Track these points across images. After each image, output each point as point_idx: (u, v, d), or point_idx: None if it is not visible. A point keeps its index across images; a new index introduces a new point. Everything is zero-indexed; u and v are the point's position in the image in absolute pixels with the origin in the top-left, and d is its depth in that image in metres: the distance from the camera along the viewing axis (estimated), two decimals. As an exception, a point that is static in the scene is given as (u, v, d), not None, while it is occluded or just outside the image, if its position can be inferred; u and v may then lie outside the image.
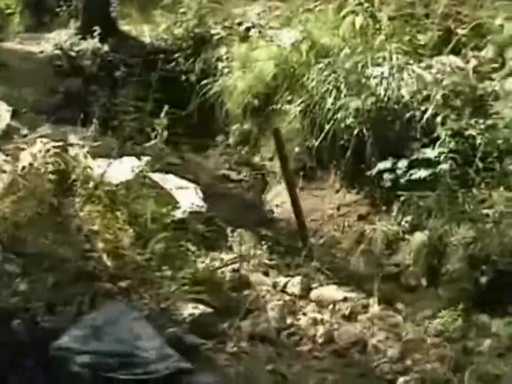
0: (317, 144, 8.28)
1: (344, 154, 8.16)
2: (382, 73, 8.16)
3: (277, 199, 7.97)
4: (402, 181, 7.62)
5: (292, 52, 8.88)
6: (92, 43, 10.39)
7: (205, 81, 9.54)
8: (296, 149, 8.54)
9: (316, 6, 9.17)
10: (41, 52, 10.48)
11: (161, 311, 5.38)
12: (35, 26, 12.01)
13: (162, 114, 6.90)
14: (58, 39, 10.64)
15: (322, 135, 8.19)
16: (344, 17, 8.87)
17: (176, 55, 10.09)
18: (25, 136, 7.20)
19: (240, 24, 9.53)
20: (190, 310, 5.47)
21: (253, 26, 9.43)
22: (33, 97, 9.04)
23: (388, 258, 7.43)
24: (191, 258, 6.06)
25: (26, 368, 4.79)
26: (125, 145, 7.29)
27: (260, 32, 9.27)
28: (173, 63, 10.06)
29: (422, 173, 7.51)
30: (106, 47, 10.37)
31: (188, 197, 6.65)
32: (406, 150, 7.83)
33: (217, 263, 6.22)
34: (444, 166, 7.43)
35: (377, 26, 8.65)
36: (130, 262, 5.58)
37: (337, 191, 8.32)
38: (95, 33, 10.27)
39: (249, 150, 8.66)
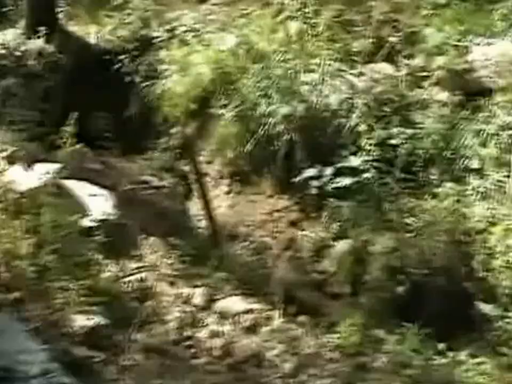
0: (250, 149, 8.26)
1: (276, 160, 8.16)
2: (314, 79, 8.13)
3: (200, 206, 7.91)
4: (328, 188, 7.61)
5: (229, 56, 8.83)
6: (37, 43, 10.31)
7: (145, 84, 9.48)
8: (231, 154, 8.52)
9: (254, 11, 9.09)
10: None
11: (52, 323, 5.32)
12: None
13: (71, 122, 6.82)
14: (4, 38, 10.52)
15: (255, 140, 8.18)
16: (281, 22, 8.81)
17: (122, 56, 10.03)
18: None
19: (174, 28, 9.45)
20: (83, 321, 5.42)
21: (190, 30, 9.35)
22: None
23: (315, 265, 7.42)
24: (95, 268, 5.99)
25: None
26: (46, 151, 7.20)
27: (197, 36, 9.18)
28: (118, 65, 10.00)
29: (346, 181, 7.50)
30: (51, 48, 10.29)
31: (99, 205, 6.58)
32: (335, 157, 7.82)
33: (123, 273, 6.15)
34: (367, 175, 7.42)
35: (313, 32, 8.59)
36: (24, 273, 5.51)
37: (270, 197, 8.29)
38: (40, 33, 10.21)
39: (182, 155, 8.59)
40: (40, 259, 5.73)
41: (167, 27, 9.78)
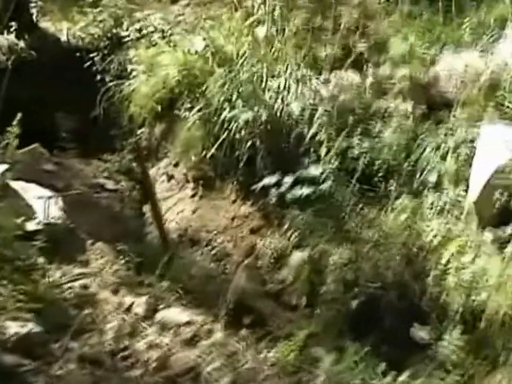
0: (214, 153, 8.16)
1: (242, 165, 8.06)
2: (278, 85, 8.02)
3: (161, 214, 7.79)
4: (288, 196, 7.51)
5: (196, 59, 8.72)
6: (8, 38, 10.19)
7: (113, 83, 9.37)
8: (196, 157, 8.42)
9: (223, 14, 8.98)
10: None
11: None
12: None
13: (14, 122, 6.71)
14: (-24, 33, 10.40)
15: (217, 145, 8.08)
16: (249, 26, 8.69)
17: (92, 54, 9.92)
18: None
19: (144, 28, 9.34)
20: (16, 328, 5.30)
21: (159, 31, 9.25)
22: None
23: (273, 275, 7.32)
24: (36, 273, 5.87)
25: None
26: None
27: (165, 37, 9.08)
28: (89, 63, 9.89)
29: (305, 190, 7.40)
30: (22, 43, 10.18)
31: (47, 207, 6.46)
32: (296, 165, 7.71)
33: (66, 278, 6.04)
34: (327, 185, 7.32)
35: (281, 37, 8.47)
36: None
37: (233, 202, 8.20)
38: (12, 29, 10.10)
39: (142, 157, 8.48)
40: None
41: (137, 26, 9.69)
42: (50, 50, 10.23)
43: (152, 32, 9.25)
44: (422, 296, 6.54)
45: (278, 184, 7.59)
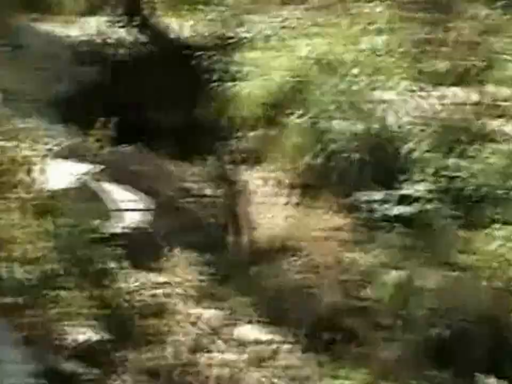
0: (313, 162, 8.03)
1: (339, 176, 7.91)
2: (382, 98, 7.81)
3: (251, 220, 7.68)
4: (383, 213, 7.30)
5: (301, 64, 8.57)
6: (119, 32, 10.30)
7: (216, 84, 9.31)
8: (294, 165, 8.32)
9: (331, 20, 8.79)
10: (68, 37, 10.38)
11: (45, 334, 5.18)
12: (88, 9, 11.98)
13: (110, 125, 6.69)
14: (88, 25, 10.53)
15: (319, 154, 7.96)
16: (358, 35, 8.48)
17: (199, 53, 9.90)
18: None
19: (253, 31, 9.25)
20: (78, 335, 5.26)
21: (268, 35, 9.14)
22: (38, 83, 8.92)
23: (359, 291, 7.10)
24: (109, 278, 5.83)
25: None
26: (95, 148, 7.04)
27: (274, 41, 8.98)
28: (195, 61, 9.88)
29: (398, 208, 7.19)
30: (133, 38, 10.26)
31: (132, 211, 6.42)
32: (394, 181, 7.49)
33: (137, 285, 5.96)
34: (422, 205, 7.09)
35: (388, 48, 8.22)
36: (28, 278, 5.39)
37: (326, 213, 8.03)
38: (124, 23, 10.21)
39: (237, 161, 8.40)
40: (50, 264, 5.59)
41: (244, 28, 9.61)
42: (159, 46, 10.29)
43: (259, 35, 9.15)
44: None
45: (372, 199, 7.43)
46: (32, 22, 10.52)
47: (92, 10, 10.89)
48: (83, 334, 5.30)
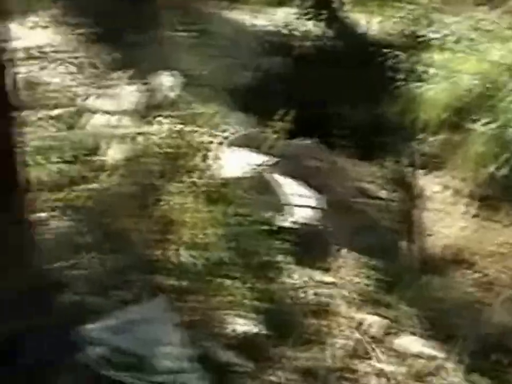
0: (498, 172, 7.73)
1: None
2: None
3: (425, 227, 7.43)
4: None
5: (491, 69, 8.25)
6: (306, 25, 10.25)
7: (402, 83, 9.09)
8: (474, 173, 8.02)
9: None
10: (255, 26, 10.40)
11: (206, 321, 5.15)
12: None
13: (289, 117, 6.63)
14: (275, 17, 10.53)
15: (500, 163, 7.64)
16: None
17: (385, 50, 9.70)
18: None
19: (443, 31, 8.97)
20: (238, 326, 5.20)
21: (459, 36, 8.84)
22: (221, 70, 8.98)
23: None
24: (274, 272, 5.76)
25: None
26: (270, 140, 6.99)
27: (460, 42, 8.67)
28: (381, 59, 9.69)
29: None
30: (320, 31, 10.19)
31: (303, 207, 6.32)
32: None
33: (303, 282, 5.85)
34: None
35: None
36: (194, 262, 5.39)
37: (506, 226, 7.71)
38: (311, 15, 10.16)
39: (417, 165, 8.15)
40: (217, 252, 5.58)
41: (436, 29, 9.34)
42: (345, 41, 10.15)
43: (449, 36, 8.87)
44: None
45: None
46: (221, 10, 10.64)
47: (280, 1, 10.91)
48: (243, 325, 5.24)
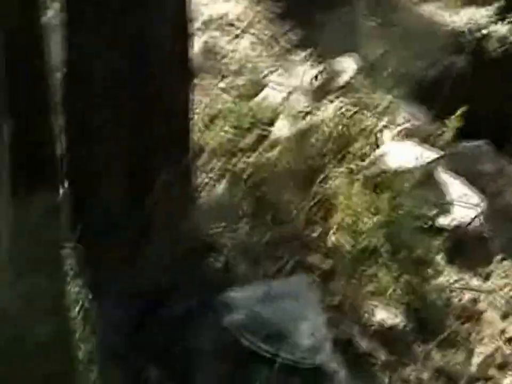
0: None
1: None
2: None
3: None
4: None
5: None
6: (500, 28, 9.93)
7: None
8: None
9: None
10: (447, 24, 10.17)
11: (350, 308, 5.09)
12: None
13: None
14: (471, 16, 10.26)
15: None
16: None
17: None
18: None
19: None
20: (384, 316, 5.12)
21: None
22: (407, 62, 8.83)
23: None
24: (429, 270, 5.62)
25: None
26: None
27: None
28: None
29: None
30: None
31: (464, 209, 6.12)
32: None
33: (459, 285, 5.68)
34: None
35: None
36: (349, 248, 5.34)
37: None
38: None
39: None
40: (373, 240, 5.50)
41: None
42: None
43: None
44: None
45: None
46: (413, 5, 10.49)
47: (472, 1, 10.64)
48: (388, 317, 5.15)
